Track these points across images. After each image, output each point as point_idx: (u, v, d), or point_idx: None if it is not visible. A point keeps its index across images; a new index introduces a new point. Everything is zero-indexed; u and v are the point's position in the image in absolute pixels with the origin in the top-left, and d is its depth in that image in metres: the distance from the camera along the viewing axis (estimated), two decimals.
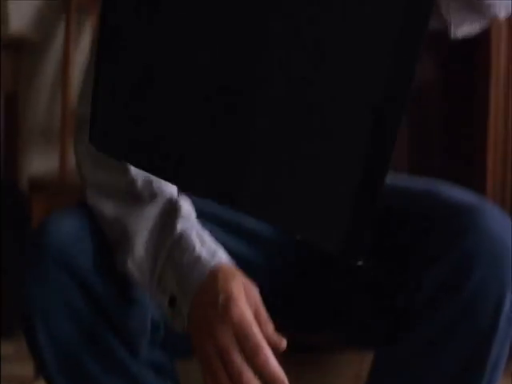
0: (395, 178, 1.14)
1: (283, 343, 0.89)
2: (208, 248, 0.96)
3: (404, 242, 1.04)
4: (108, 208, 1.01)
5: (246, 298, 0.90)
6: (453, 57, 2.62)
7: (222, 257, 0.96)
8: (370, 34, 0.62)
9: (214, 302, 0.90)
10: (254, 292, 0.92)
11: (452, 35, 1.04)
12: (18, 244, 2.34)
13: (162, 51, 0.75)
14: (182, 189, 0.99)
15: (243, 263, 0.98)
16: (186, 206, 1.00)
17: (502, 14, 1.01)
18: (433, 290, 0.96)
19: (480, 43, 2.48)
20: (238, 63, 0.69)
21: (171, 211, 0.99)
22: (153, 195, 1.00)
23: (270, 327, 0.89)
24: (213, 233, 0.99)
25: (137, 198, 1.00)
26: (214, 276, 0.92)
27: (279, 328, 0.90)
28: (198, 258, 0.94)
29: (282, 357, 0.88)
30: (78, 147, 1.08)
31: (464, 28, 1.04)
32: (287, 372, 0.86)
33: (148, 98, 0.77)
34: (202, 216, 1.01)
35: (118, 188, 1.02)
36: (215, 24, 0.70)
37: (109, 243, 1.01)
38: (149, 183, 1.00)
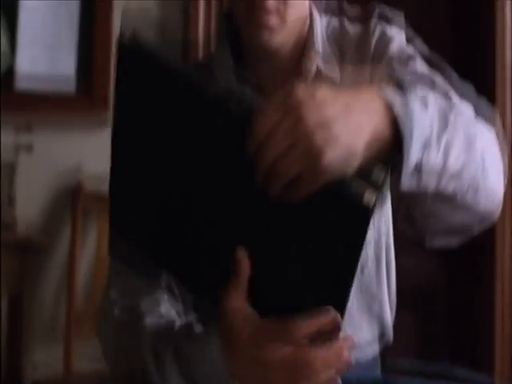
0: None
1: None
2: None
3: None
4: None
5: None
6: (457, 260, 2.66)
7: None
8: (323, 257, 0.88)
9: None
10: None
11: (427, 245, 1.08)
12: None
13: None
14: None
15: None
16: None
17: (476, 231, 1.06)
18: None
19: (484, 246, 2.52)
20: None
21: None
22: None
23: None
24: None
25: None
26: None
27: None
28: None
29: None
30: (101, 332, 1.14)
31: (440, 241, 1.09)
32: None
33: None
34: None
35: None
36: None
37: None
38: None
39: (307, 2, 1.26)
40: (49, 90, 2.94)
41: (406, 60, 1.20)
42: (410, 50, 1.23)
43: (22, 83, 2.95)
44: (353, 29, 1.29)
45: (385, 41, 1.24)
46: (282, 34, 1.19)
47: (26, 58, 2.95)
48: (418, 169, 0.90)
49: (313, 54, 1.24)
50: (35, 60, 2.95)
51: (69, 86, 2.93)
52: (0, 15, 2.95)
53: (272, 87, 1.24)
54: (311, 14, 1.28)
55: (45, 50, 2.95)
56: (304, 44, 1.26)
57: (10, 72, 2.95)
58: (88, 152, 2.86)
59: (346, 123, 0.84)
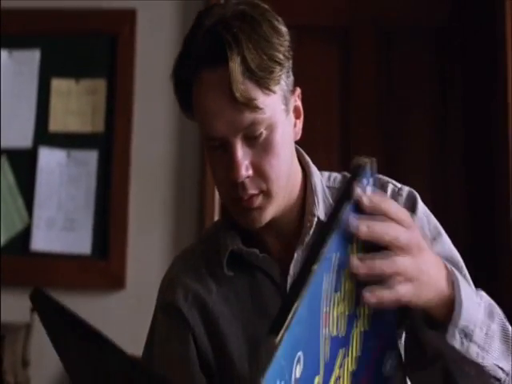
0: None
1: None
2: None
3: None
4: None
5: None
6: None
7: None
8: None
9: None
10: None
11: None
12: None
13: None
14: None
15: None
16: None
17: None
18: None
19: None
20: None
21: None
22: None
23: None
24: None
25: None
26: None
27: None
28: None
29: None
30: None
31: None
32: None
33: None
34: None
35: None
36: None
37: None
38: None
39: (294, 167, 1.26)
40: (64, 251, 2.98)
41: (436, 233, 1.26)
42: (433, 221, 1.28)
43: (38, 244, 3.00)
44: None
45: (411, 201, 1.28)
46: (271, 209, 1.20)
47: (42, 218, 3.02)
48: (464, 333, 1.01)
49: (314, 209, 1.25)
50: (51, 221, 3.01)
51: (84, 247, 2.97)
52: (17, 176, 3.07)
53: (277, 246, 1.28)
54: (304, 170, 1.29)
55: (61, 211, 3.01)
56: (303, 199, 1.27)
57: (27, 233, 3.01)
58: (103, 313, 2.87)
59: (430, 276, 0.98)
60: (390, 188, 1.29)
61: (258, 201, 1.17)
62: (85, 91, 3.08)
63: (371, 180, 0.96)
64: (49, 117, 3.09)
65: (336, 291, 0.87)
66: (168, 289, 1.33)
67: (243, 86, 1.11)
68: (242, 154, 1.15)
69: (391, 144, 2.98)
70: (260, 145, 1.16)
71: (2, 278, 2.89)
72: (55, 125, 3.08)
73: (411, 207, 1.27)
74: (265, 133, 1.15)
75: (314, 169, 1.31)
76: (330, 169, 1.38)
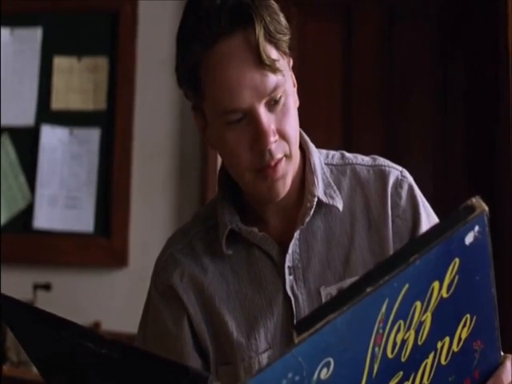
0: None
1: None
2: None
3: None
4: None
5: None
6: None
7: None
8: None
9: None
10: None
11: None
12: None
13: None
14: None
15: None
16: None
17: None
18: None
19: None
20: None
21: None
22: None
23: None
24: None
25: None
26: None
27: None
28: None
29: None
30: None
31: None
32: None
33: None
34: None
35: None
36: None
37: None
38: None
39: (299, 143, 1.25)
40: (67, 229, 3.00)
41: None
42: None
43: (40, 222, 3.02)
44: (354, 158, 1.33)
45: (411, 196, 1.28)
46: (290, 176, 1.20)
47: (44, 196, 3.03)
48: None
49: (314, 189, 1.25)
50: (53, 199, 3.02)
51: (87, 225, 2.98)
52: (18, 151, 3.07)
53: (276, 223, 1.28)
54: (303, 148, 1.29)
55: (63, 189, 3.02)
56: (302, 178, 1.27)
57: (29, 210, 3.03)
58: (105, 291, 2.90)
59: None
60: (392, 176, 1.29)
61: (282, 167, 1.18)
62: (87, 69, 3.07)
63: (485, 231, 0.85)
64: (51, 95, 3.09)
65: (401, 318, 0.83)
66: (163, 269, 1.32)
67: (267, 48, 1.14)
68: (267, 119, 1.15)
69: (392, 121, 2.97)
70: (280, 109, 1.17)
71: (4, 255, 2.90)
72: (57, 103, 3.08)
73: (412, 205, 1.27)
74: (283, 97, 1.17)
75: (312, 147, 1.30)
76: (331, 147, 1.37)
